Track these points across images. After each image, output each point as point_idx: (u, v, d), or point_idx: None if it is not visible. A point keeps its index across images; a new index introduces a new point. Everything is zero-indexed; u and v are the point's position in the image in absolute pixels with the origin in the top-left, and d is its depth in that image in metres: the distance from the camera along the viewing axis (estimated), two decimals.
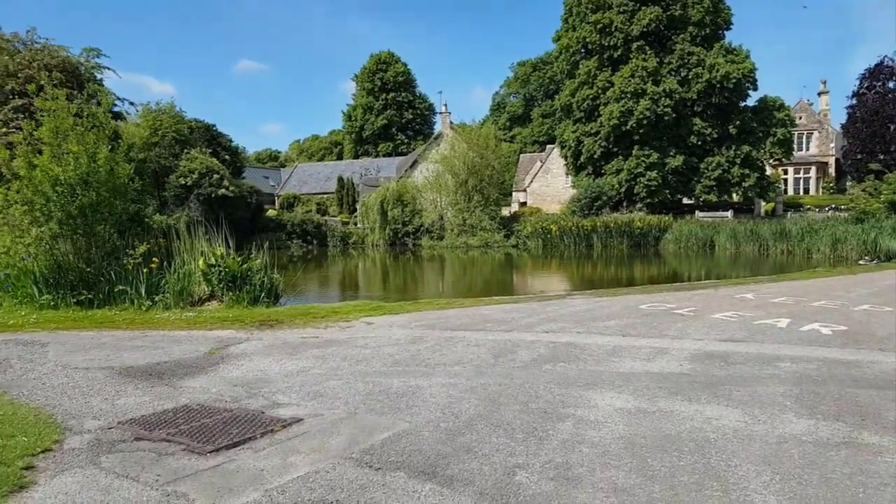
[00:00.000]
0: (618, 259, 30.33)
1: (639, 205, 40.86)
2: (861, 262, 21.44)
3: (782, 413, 5.09)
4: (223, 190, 38.96)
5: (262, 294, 11.18)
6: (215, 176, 39.16)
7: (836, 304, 10.73)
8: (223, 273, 11.04)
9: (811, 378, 6.09)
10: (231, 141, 56.10)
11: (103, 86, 30.17)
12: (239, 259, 11.33)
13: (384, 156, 73.12)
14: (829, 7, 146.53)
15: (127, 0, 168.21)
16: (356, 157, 78.49)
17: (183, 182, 38.80)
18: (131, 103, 31.60)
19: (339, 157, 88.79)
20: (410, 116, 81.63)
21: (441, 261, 32.61)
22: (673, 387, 5.86)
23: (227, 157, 49.19)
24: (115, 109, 30.77)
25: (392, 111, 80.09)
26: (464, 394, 5.70)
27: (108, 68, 30.31)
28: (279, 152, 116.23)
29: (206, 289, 11.27)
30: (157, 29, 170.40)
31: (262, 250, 12.31)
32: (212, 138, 49.38)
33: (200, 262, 11.23)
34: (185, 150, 40.23)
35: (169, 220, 38.19)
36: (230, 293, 11.07)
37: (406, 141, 78.97)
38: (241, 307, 10.85)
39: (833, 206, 40.79)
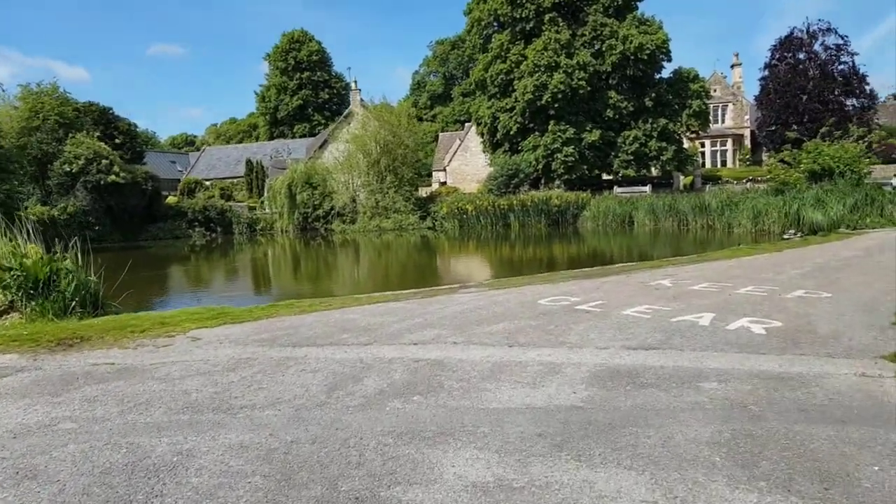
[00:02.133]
0: (535, 239, 28.93)
1: (557, 182, 39.69)
2: (785, 236, 20.53)
3: (709, 480, 3.41)
4: (113, 176, 35.37)
5: (74, 304, 8.84)
6: (104, 161, 35.51)
7: (764, 290, 9.29)
8: (21, 278, 8.65)
9: (745, 409, 4.43)
10: (131, 125, 52.07)
11: None
12: (43, 260, 8.92)
13: (300, 137, 69.86)
14: None
15: None
16: (272, 138, 74.80)
17: (68, 169, 35.03)
18: None
19: (257, 140, 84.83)
20: (327, 96, 78.46)
21: (351, 247, 30.44)
22: (559, 433, 4.11)
23: (124, 141, 45.38)
24: None
25: (307, 91, 76.77)
26: (251, 465, 3.81)
27: None
28: (195, 137, 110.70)
29: (2, 298, 8.86)
30: (61, 9, 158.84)
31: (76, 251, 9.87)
32: (108, 122, 45.51)
33: None
34: (71, 135, 36.32)
35: (52, 210, 34.59)
36: (32, 303, 8.71)
37: (323, 122, 75.70)
38: (45, 321, 8.53)
39: (751, 178, 40.75)
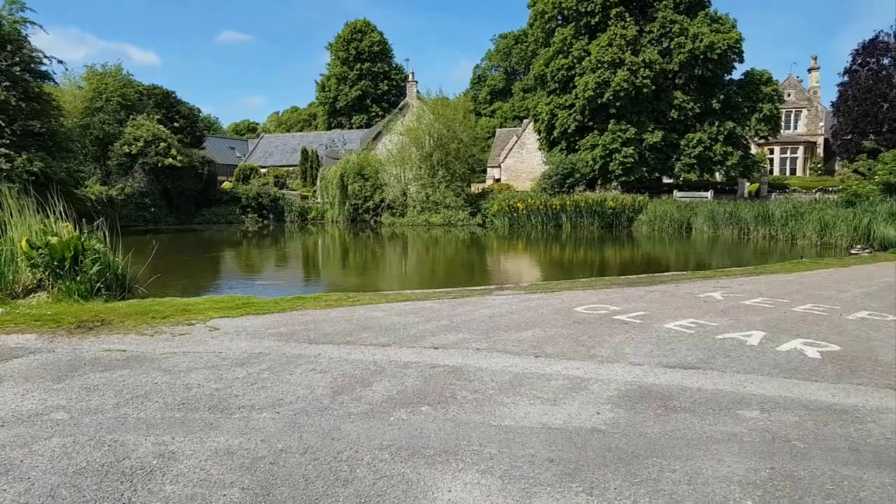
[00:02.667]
0: (586, 241, 28.11)
1: (614, 183, 38.59)
2: (853, 251, 19.21)
3: None
4: (170, 159, 36.14)
5: (100, 286, 8.76)
6: (162, 144, 36.31)
7: (824, 308, 8.53)
8: (47, 257, 8.62)
9: (788, 444, 3.89)
10: (193, 109, 53.17)
11: (28, 42, 27.19)
12: (69, 239, 8.88)
13: (357, 128, 70.22)
14: None
15: None
16: (329, 128, 75.42)
17: (127, 150, 35.93)
18: (59, 61, 28.59)
19: (316, 129, 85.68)
20: (386, 88, 78.59)
21: (397, 240, 30.26)
22: (573, 460, 3.67)
23: (185, 125, 46.29)
24: (42, 69, 27.97)
25: (367, 82, 77.04)
26: (232, 474, 3.52)
27: (34, 23, 27.32)
28: (257, 124, 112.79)
29: (31, 277, 8.86)
30: None
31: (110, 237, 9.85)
32: (170, 106, 46.40)
33: (23, 242, 8.79)
34: (132, 117, 37.25)
35: (110, 190, 35.56)
36: (60, 282, 8.68)
37: (381, 113, 75.84)
38: (71, 301, 8.49)
39: (821, 187, 38.79)
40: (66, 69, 33.95)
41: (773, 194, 37.75)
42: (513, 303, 8.83)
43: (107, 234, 9.65)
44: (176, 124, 44.03)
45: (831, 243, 22.25)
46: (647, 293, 9.74)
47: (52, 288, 8.70)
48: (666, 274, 12.21)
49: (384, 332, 6.91)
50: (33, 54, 26.85)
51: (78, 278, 8.63)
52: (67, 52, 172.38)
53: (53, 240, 8.65)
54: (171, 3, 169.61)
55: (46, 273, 8.68)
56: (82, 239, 9.06)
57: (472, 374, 5.37)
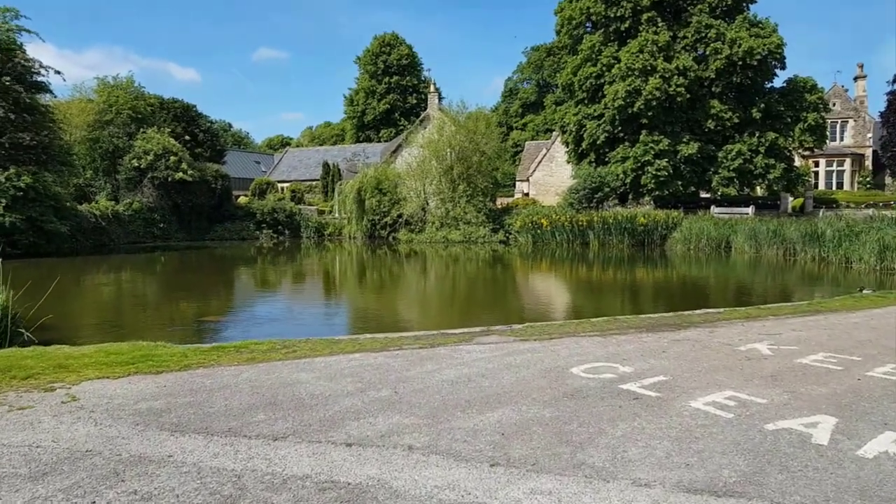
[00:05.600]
0: (614, 262, 25.79)
1: (647, 198, 36.14)
2: None
3: None
4: (180, 173, 34.85)
5: None
6: (172, 158, 35.07)
7: None
8: None
9: None
10: (214, 123, 52.43)
11: (22, 51, 26.10)
12: None
13: (386, 141, 68.86)
14: None
15: None
16: (358, 142, 74.24)
17: (136, 164, 34.79)
18: (57, 72, 27.44)
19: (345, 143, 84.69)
20: (414, 101, 77.12)
21: (410, 261, 28.32)
22: None
23: (205, 139, 45.38)
24: (38, 80, 26.87)
25: (395, 95, 75.75)
26: None
27: (29, 31, 26.21)
28: (290, 139, 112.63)
29: None
30: (177, 15, 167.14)
31: None
32: (191, 119, 45.53)
33: None
34: (142, 130, 36.18)
35: (117, 205, 34.44)
36: None
37: (409, 126, 74.47)
38: None
39: (872, 202, 35.77)
40: (64, 80, 33.05)
41: (821, 210, 34.91)
42: (492, 358, 6.78)
43: None
44: (198, 138, 43.10)
45: (893, 268, 19.51)
46: (672, 343, 7.59)
47: None
48: (698, 313, 9.96)
49: (292, 412, 4.94)
50: (27, 64, 25.74)
51: None
52: (112, 69, 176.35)
53: None
54: (210, 22, 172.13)
55: None
56: None
57: None
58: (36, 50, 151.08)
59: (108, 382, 5.77)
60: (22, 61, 25.38)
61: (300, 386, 5.66)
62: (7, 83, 24.26)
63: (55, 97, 30.07)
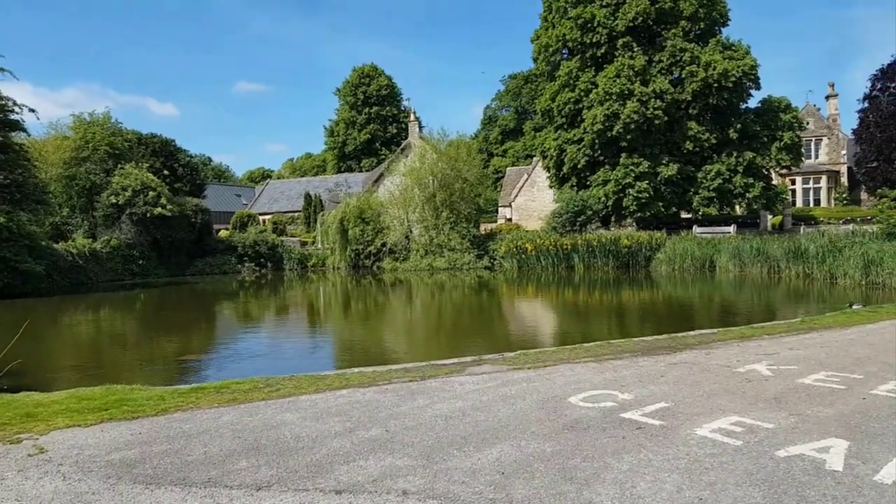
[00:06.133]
0: (600, 284, 25.66)
1: (629, 220, 36.24)
2: None
3: None
4: (159, 209, 34.35)
5: None
6: (151, 193, 34.57)
7: None
8: None
9: None
10: (193, 157, 52.12)
11: None
12: None
13: (368, 171, 68.85)
14: (826, 20, 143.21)
15: (125, 21, 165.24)
16: (339, 173, 74.18)
17: (114, 200, 34.23)
18: (31, 110, 26.99)
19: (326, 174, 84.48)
20: (395, 131, 77.46)
21: (394, 289, 28.00)
22: None
23: (185, 173, 44.96)
24: (12, 118, 26.45)
25: (375, 125, 76.10)
26: None
27: (2, 69, 25.81)
28: (272, 171, 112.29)
29: None
30: (154, 50, 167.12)
31: None
32: (169, 154, 45.11)
33: None
34: (120, 166, 35.72)
35: (95, 243, 33.83)
36: None
37: (391, 156, 74.62)
38: None
39: (849, 218, 36.10)
40: (38, 118, 32.49)
41: (801, 227, 35.17)
42: (486, 390, 6.51)
43: None
44: (177, 172, 42.65)
45: (878, 282, 19.52)
46: (670, 367, 7.37)
47: None
48: (692, 334, 9.77)
49: (277, 457, 4.64)
50: (0, 102, 25.33)
51: None
52: (89, 106, 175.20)
53: None
54: (187, 57, 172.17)
55: None
56: None
57: None
58: (10, 88, 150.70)
59: (79, 431, 5.42)
60: None
61: (285, 428, 5.35)
62: None
63: (29, 136, 29.58)
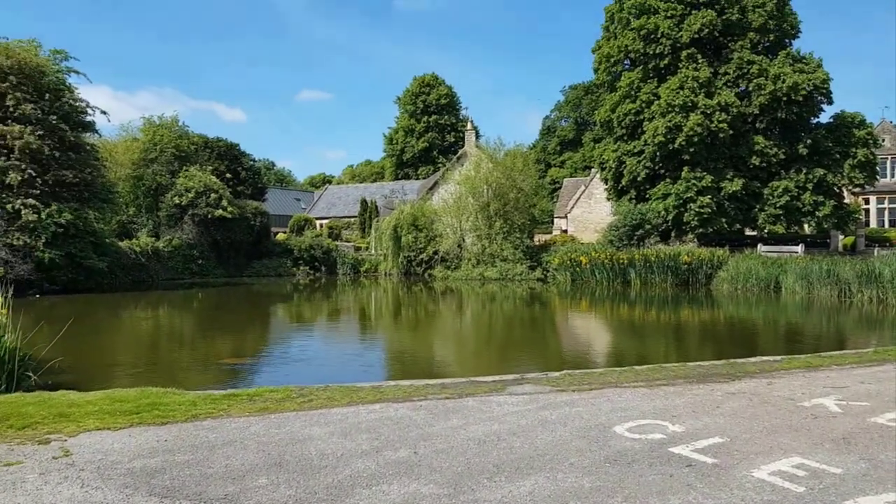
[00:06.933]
0: (658, 302, 24.82)
1: (690, 235, 35.08)
2: None
3: None
4: (220, 211, 35.18)
5: None
6: (213, 195, 35.45)
7: None
8: None
9: None
10: (257, 161, 53.34)
11: (71, 91, 26.81)
12: None
13: (424, 179, 69.16)
14: None
15: (197, 29, 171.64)
16: (396, 179, 74.81)
17: (178, 201, 35.26)
18: (103, 112, 28.10)
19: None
20: (452, 140, 77.67)
21: (444, 297, 27.78)
22: None
23: (247, 177, 46.15)
24: (86, 119, 27.51)
25: (433, 133, 76.43)
26: None
27: (77, 72, 26.99)
28: (332, 177, 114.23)
29: None
30: (225, 58, 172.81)
31: None
32: (234, 158, 46.34)
33: None
34: (185, 168, 36.77)
35: (157, 242, 34.82)
36: None
37: (447, 164, 74.78)
38: None
39: None
40: (109, 120, 33.87)
41: (875, 248, 33.37)
42: (525, 412, 6.17)
43: (11, 302, 7.62)
44: (241, 175, 43.78)
45: None
46: (727, 397, 6.86)
47: None
48: (753, 361, 9.17)
49: (298, 475, 4.42)
50: (75, 104, 26.41)
51: None
52: (162, 110, 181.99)
53: None
54: (256, 66, 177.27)
55: None
56: None
57: None
58: (90, 91, 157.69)
59: (107, 435, 5.35)
60: (70, 101, 26.07)
61: (311, 443, 5.14)
62: (54, 122, 24.83)
63: (101, 136, 30.75)
